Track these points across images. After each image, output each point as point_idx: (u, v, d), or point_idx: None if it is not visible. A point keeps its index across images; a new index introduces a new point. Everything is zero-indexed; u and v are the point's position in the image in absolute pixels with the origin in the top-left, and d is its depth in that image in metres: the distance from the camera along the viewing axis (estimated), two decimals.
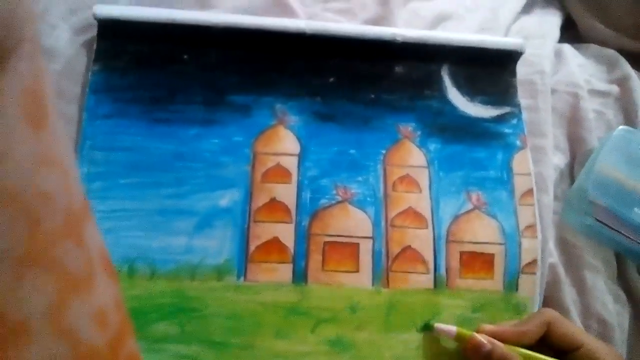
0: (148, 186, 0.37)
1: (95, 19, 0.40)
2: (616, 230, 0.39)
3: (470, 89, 0.43)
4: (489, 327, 0.35)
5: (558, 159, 0.45)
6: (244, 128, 0.40)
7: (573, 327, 0.35)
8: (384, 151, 0.41)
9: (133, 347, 0.24)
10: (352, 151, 0.40)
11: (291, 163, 0.39)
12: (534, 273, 0.39)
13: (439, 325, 0.36)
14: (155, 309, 0.35)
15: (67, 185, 0.20)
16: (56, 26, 0.41)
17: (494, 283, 0.38)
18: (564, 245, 0.42)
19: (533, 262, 0.39)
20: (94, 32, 0.41)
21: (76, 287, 0.20)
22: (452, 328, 0.35)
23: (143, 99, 0.39)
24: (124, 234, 0.36)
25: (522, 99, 0.45)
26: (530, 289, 0.38)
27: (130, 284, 0.35)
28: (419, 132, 0.42)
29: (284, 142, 0.40)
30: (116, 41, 0.40)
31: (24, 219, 0.18)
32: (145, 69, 0.40)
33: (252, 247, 0.37)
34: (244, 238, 0.37)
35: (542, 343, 0.35)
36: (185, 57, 0.41)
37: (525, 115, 0.44)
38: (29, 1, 0.18)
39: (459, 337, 0.35)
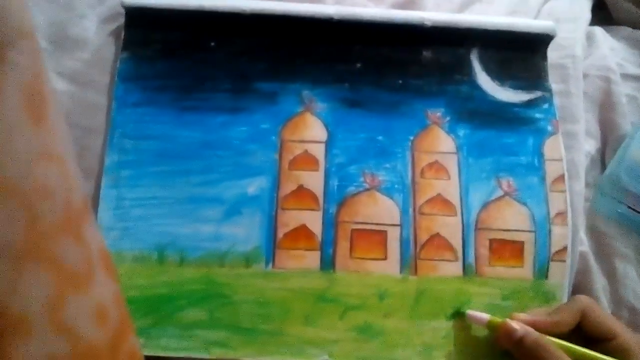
0: (177, 174, 0.38)
1: (123, 7, 0.40)
2: None
3: (500, 74, 0.43)
4: (522, 315, 0.35)
5: (589, 145, 0.44)
6: (271, 115, 0.39)
7: (608, 316, 0.35)
8: (412, 137, 0.40)
9: (134, 343, 0.24)
10: (379, 138, 0.40)
11: (318, 150, 0.39)
12: (564, 260, 0.38)
13: (470, 312, 0.36)
14: (185, 296, 0.36)
15: (66, 180, 0.20)
16: (84, 15, 0.41)
17: (524, 271, 0.38)
18: (594, 233, 0.41)
19: (563, 250, 0.38)
20: (121, 20, 0.41)
21: (75, 282, 0.20)
22: (484, 315, 0.35)
23: (171, 87, 0.40)
24: (153, 221, 0.37)
25: (553, 83, 0.43)
26: (560, 276, 0.38)
27: (160, 271, 0.36)
28: (447, 118, 0.41)
29: (311, 129, 0.40)
30: (144, 29, 0.40)
31: (22, 213, 0.18)
32: (173, 57, 0.41)
33: (280, 235, 0.37)
34: (272, 225, 0.37)
35: (573, 330, 0.34)
36: (213, 44, 0.41)
37: (556, 101, 0.43)
38: None
39: (490, 325, 0.35)
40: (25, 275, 0.18)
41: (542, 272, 0.38)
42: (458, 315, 0.36)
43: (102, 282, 0.22)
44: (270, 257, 0.36)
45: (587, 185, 0.43)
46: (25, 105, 0.18)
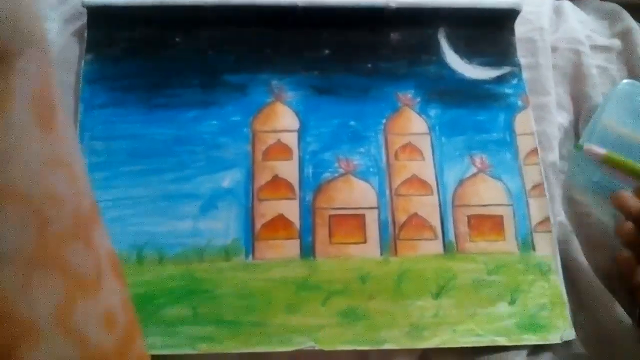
0: (151, 172, 0.37)
1: (84, 6, 0.40)
2: (625, 183, 0.38)
3: (468, 51, 0.43)
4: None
5: (562, 118, 0.45)
6: (241, 107, 0.39)
7: None
8: (384, 121, 0.40)
9: (142, 348, 0.24)
10: (352, 123, 0.40)
11: (291, 139, 0.39)
12: (549, 231, 0.38)
13: (588, 146, 0.37)
14: (166, 293, 0.35)
15: (75, 187, 0.20)
16: (46, 16, 0.40)
17: (507, 244, 0.38)
18: (572, 203, 0.42)
19: (545, 220, 0.39)
20: (84, 20, 0.40)
21: (84, 288, 0.20)
22: (601, 150, 0.36)
23: (139, 85, 0.39)
24: (130, 221, 0.36)
25: (522, 57, 0.44)
26: (549, 247, 0.38)
27: (140, 270, 0.36)
28: (418, 99, 0.41)
29: (282, 119, 0.40)
30: (106, 29, 0.40)
31: (33, 220, 0.18)
32: (138, 55, 0.40)
33: (258, 226, 0.37)
34: (249, 217, 0.37)
35: None
36: (178, 39, 0.41)
37: (526, 74, 0.43)
38: (33, 3, 0.18)
39: (608, 159, 0.36)
40: (34, 281, 0.18)
41: (526, 244, 0.38)
42: (578, 147, 0.37)
43: (110, 287, 0.22)
44: (250, 249, 0.36)
45: (562, 157, 0.44)
46: (35, 112, 0.18)
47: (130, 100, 0.39)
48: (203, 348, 0.34)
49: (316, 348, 0.34)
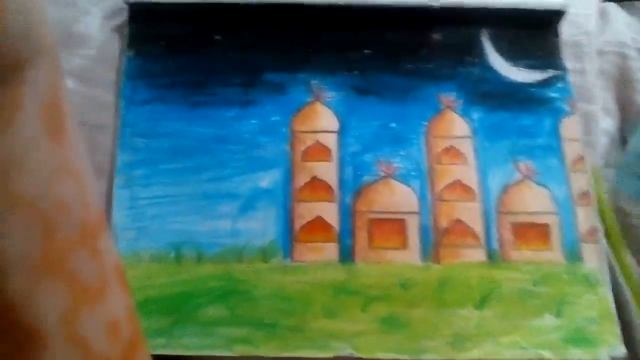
0: (190, 171, 0.37)
1: (126, 2, 0.40)
2: None
3: (512, 53, 0.41)
4: None
5: (607, 124, 0.43)
6: (281, 107, 0.39)
7: None
8: (426, 123, 0.39)
9: (145, 357, 0.24)
10: (393, 124, 0.39)
11: (331, 140, 0.38)
12: (597, 242, 0.37)
13: None
14: (204, 293, 0.35)
15: (83, 196, 0.20)
16: (87, 11, 0.41)
17: (553, 254, 0.36)
18: (619, 213, 0.40)
19: (593, 230, 0.37)
20: (125, 15, 0.40)
21: (90, 296, 0.20)
22: None
23: (180, 83, 0.39)
24: (169, 219, 0.36)
25: (568, 62, 0.42)
26: (596, 258, 0.36)
27: (178, 269, 0.35)
28: (461, 101, 0.40)
29: (322, 119, 0.39)
30: (147, 25, 0.40)
31: (40, 227, 0.18)
32: (179, 52, 0.40)
33: (296, 227, 0.36)
34: (288, 218, 0.36)
35: None
36: (218, 37, 0.40)
37: (571, 79, 0.42)
38: (44, 12, 0.18)
39: None
40: (41, 288, 0.18)
41: (574, 254, 0.36)
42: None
43: (116, 295, 0.22)
44: (288, 251, 0.36)
45: (606, 165, 0.42)
46: (44, 121, 0.18)
47: (171, 98, 0.39)
48: (240, 350, 0.34)
49: (355, 355, 0.33)
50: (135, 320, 0.23)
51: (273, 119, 0.38)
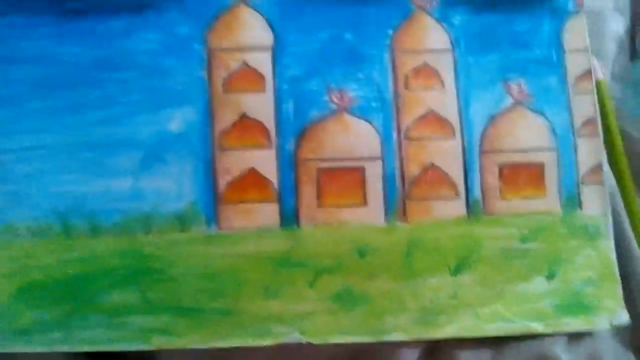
0: (68, 110, 0.29)
1: None
2: None
3: None
4: None
5: (616, 24, 0.36)
6: (191, 13, 0.29)
7: None
8: (391, 32, 0.30)
9: None
10: (347, 35, 0.30)
11: (263, 61, 0.29)
12: (600, 183, 0.30)
13: None
14: (106, 274, 0.28)
15: None
16: None
17: (548, 201, 0.30)
18: (624, 140, 0.33)
19: (596, 168, 0.30)
20: None
21: None
22: None
23: None
24: (47, 179, 0.28)
25: None
26: (599, 203, 0.30)
27: (68, 245, 0.28)
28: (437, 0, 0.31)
29: (250, 30, 0.30)
30: None
31: None
32: None
33: (221, 185, 0.29)
34: (210, 173, 0.29)
35: None
36: None
37: None
38: None
39: None
40: None
41: (571, 200, 0.30)
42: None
43: None
44: (212, 216, 0.28)
45: (613, 77, 0.35)
46: None
47: (36, 6, 0.29)
48: (158, 342, 0.28)
49: (303, 341, 0.28)
50: None
51: (180, 31, 0.29)
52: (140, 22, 0.29)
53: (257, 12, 0.30)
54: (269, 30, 0.30)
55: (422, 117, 0.30)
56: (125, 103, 0.28)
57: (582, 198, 0.30)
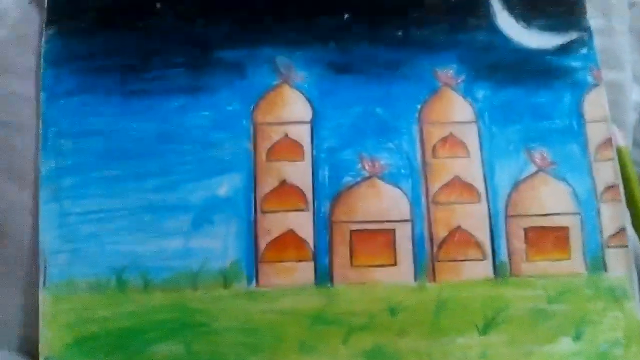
0: (129, 178, 0.31)
1: None
2: None
3: (526, 12, 0.34)
4: None
5: (636, 94, 0.37)
6: (239, 93, 0.32)
7: None
8: (419, 106, 0.32)
9: None
10: (378, 110, 0.32)
11: (302, 133, 0.32)
12: (625, 245, 0.31)
13: None
14: (154, 327, 0.30)
15: None
16: None
17: (573, 264, 0.31)
18: None
19: (620, 232, 0.31)
20: None
21: None
22: None
23: (112, 67, 0.32)
24: (107, 239, 0.30)
25: (592, 19, 0.35)
26: (624, 265, 0.31)
27: (121, 299, 0.30)
28: (462, 76, 0.33)
29: (291, 107, 0.32)
30: None
31: None
32: (111, 27, 0.32)
33: (262, 245, 0.30)
34: (252, 234, 0.30)
35: None
36: (159, 5, 0.33)
37: (596, 42, 0.34)
38: None
39: None
40: None
41: (597, 263, 0.31)
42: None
43: None
44: (253, 274, 0.30)
45: (635, 144, 0.36)
46: None
47: (102, 86, 0.31)
48: None
49: None
50: None
51: (230, 108, 0.32)
52: (194, 102, 0.31)
53: (298, 91, 0.32)
54: (308, 106, 0.32)
55: (449, 183, 0.31)
56: (180, 172, 0.31)
57: (607, 260, 0.31)
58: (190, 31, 0.32)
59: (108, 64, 0.32)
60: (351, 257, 0.30)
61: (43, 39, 0.32)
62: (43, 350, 0.29)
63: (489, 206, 0.31)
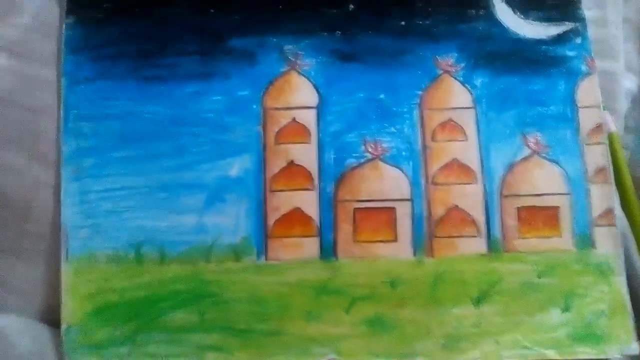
0: (146, 159, 0.33)
1: None
2: None
3: (523, 3, 0.35)
4: None
5: (629, 81, 0.39)
6: (249, 79, 0.33)
7: None
8: (420, 92, 0.34)
9: None
10: (381, 96, 0.34)
11: (309, 118, 0.33)
12: (613, 224, 0.33)
13: None
14: (170, 297, 0.31)
15: None
16: None
17: (563, 241, 0.32)
18: (636, 187, 0.35)
19: (609, 212, 0.33)
20: None
21: None
22: None
23: (129, 54, 0.34)
24: (126, 215, 0.32)
25: (587, 10, 0.36)
26: (612, 243, 0.32)
27: (139, 271, 0.32)
28: (462, 64, 0.34)
29: (298, 93, 0.34)
30: None
31: None
32: (127, 17, 0.34)
33: (271, 221, 0.32)
34: (261, 211, 0.32)
35: None
36: None
37: (590, 31, 0.36)
38: None
39: None
40: None
41: (585, 240, 0.32)
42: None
43: None
44: (262, 248, 0.32)
45: (627, 129, 0.37)
46: None
47: (119, 72, 0.33)
48: (211, 358, 0.31)
49: None
50: None
51: (241, 94, 0.33)
52: (207, 87, 0.33)
53: (305, 77, 0.34)
54: (315, 92, 0.33)
55: (447, 165, 0.33)
56: (194, 153, 0.32)
57: (595, 238, 0.32)
58: (203, 20, 0.34)
59: (124, 51, 0.33)
60: (354, 233, 0.32)
61: (63, 27, 0.34)
62: (65, 318, 0.31)
63: (484, 186, 0.33)
